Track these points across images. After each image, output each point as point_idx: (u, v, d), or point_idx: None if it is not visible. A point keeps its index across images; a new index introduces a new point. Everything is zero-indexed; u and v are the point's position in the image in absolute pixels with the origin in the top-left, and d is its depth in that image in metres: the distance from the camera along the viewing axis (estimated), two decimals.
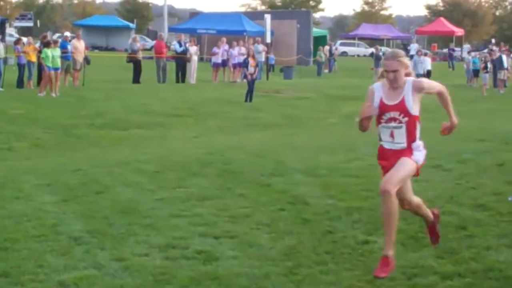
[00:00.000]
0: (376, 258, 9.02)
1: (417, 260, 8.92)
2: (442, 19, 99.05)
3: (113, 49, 76.49)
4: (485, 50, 67.95)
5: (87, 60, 40.63)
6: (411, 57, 48.91)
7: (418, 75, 37.15)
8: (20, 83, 37.48)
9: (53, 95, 33.12)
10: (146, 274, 8.55)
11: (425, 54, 54.83)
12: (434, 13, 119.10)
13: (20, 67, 37.84)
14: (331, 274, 8.45)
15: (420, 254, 9.16)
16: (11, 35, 66.92)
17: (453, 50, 73.73)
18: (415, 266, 8.65)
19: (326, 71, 59.90)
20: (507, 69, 45.68)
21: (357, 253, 9.32)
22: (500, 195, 12.32)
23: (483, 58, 50.03)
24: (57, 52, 34.53)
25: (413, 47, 68.23)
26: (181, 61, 44.39)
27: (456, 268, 8.53)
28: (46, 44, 34.47)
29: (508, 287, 7.86)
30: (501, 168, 14.81)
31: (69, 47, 39.20)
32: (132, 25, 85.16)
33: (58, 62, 34.21)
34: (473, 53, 57.23)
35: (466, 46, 76.09)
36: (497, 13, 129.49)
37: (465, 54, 70.90)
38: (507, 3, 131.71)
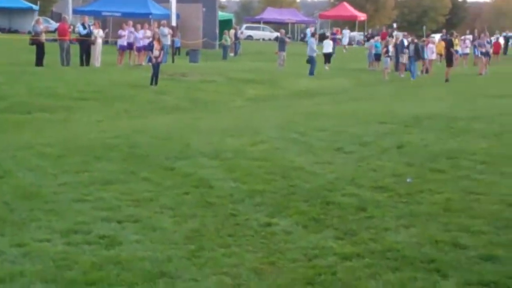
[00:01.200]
0: (279, 241, 9.06)
1: (318, 241, 8.96)
2: (345, 3, 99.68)
3: (16, 31, 75.15)
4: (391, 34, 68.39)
5: None
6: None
7: (311, 57, 37.51)
8: None
9: None
10: (47, 260, 8.42)
11: (327, 37, 55.45)
12: None
13: None
14: (233, 257, 8.44)
15: (321, 236, 9.21)
16: None
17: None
18: (316, 247, 8.70)
19: (232, 54, 59.81)
20: (424, 58, 46.46)
21: (259, 235, 9.32)
22: (399, 177, 12.49)
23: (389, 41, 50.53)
24: None
25: (308, 31, 69.27)
26: (85, 43, 43.72)
27: (355, 248, 8.61)
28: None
29: (405, 266, 7.94)
30: (401, 150, 14.98)
31: None
32: (35, 7, 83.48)
33: None
34: (376, 38, 57.68)
35: (346, 31, 76.18)
36: None
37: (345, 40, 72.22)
38: None
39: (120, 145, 16.36)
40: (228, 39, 59.96)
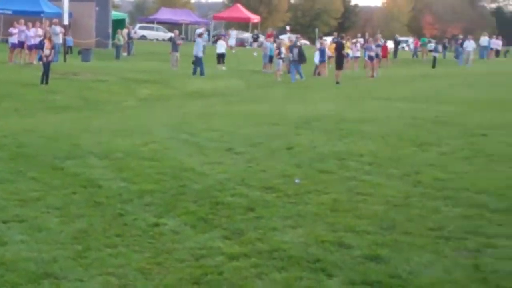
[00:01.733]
0: (167, 241, 9.03)
1: (205, 241, 8.96)
2: (238, 5, 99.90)
3: None
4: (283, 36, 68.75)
5: None
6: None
7: (197, 57, 37.57)
8: None
9: None
10: None
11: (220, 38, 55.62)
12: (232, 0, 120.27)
13: None
14: (120, 257, 8.38)
15: (209, 236, 9.21)
16: None
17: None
18: (203, 247, 8.69)
19: (125, 54, 59.36)
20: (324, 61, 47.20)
21: (147, 235, 9.27)
22: (288, 177, 12.59)
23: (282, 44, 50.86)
24: None
25: (197, 31, 69.74)
26: None
27: (243, 248, 8.63)
28: None
29: (291, 266, 7.99)
30: (290, 151, 15.11)
31: None
32: None
33: None
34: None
35: (233, 32, 76.24)
36: (292, 1, 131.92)
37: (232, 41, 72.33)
38: None
39: (8, 145, 16.13)
40: (121, 39, 59.59)
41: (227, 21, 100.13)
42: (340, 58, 44.05)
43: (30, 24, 45.67)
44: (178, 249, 8.67)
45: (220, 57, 49.20)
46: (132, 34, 66.39)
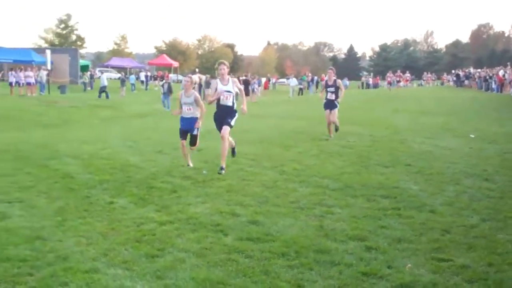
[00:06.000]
0: (118, 213, 8.94)
1: (143, 213, 8.88)
2: (164, 55, 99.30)
3: None
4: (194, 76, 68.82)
5: None
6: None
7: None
8: None
9: None
10: None
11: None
12: (159, 51, 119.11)
13: None
14: (87, 225, 8.26)
15: (146, 209, 9.13)
16: None
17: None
18: (142, 218, 8.61)
19: (89, 88, 58.55)
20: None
21: (105, 210, 9.15)
22: (198, 170, 12.57)
23: (196, 81, 50.91)
24: None
25: (142, 75, 69.09)
26: None
27: (169, 218, 8.58)
28: None
29: (201, 229, 7.99)
30: (200, 152, 15.06)
31: None
32: None
33: None
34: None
35: (142, 74, 75.51)
36: (199, 52, 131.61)
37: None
38: (205, 46, 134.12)
39: (11, 150, 15.74)
40: (87, 78, 58.87)
41: (157, 66, 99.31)
42: (246, 89, 44.72)
43: (22, 68, 45.30)
44: (125, 219, 8.58)
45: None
46: (93, 74, 65.56)
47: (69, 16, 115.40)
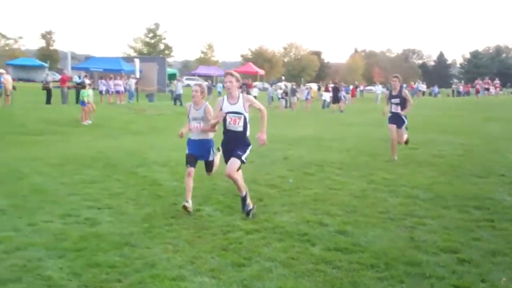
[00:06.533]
0: (204, 221, 9.02)
1: (230, 221, 8.94)
2: (250, 63, 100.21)
3: (33, 81, 73.59)
4: (280, 84, 69.04)
5: (14, 88, 39.10)
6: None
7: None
8: None
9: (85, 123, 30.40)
10: (50, 235, 8.27)
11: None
12: (245, 59, 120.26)
13: None
14: (174, 232, 8.38)
15: (232, 218, 9.18)
16: None
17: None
18: (228, 225, 8.67)
19: None
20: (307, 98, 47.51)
21: (192, 217, 9.26)
22: (284, 178, 12.55)
23: (282, 88, 51.39)
24: (91, 92, 32.12)
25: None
26: (79, 89, 43.47)
27: (255, 226, 8.60)
28: (84, 87, 32.15)
29: (287, 238, 7.95)
30: (286, 160, 15.07)
31: (1, 79, 37.65)
32: (46, 64, 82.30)
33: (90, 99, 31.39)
34: (273, 86, 58.63)
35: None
36: (285, 60, 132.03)
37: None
38: (291, 54, 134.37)
39: (101, 157, 16.17)
40: (174, 86, 60.05)
41: (243, 74, 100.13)
42: (336, 96, 44.36)
43: (112, 77, 46.74)
44: (212, 227, 8.66)
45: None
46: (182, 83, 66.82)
47: (157, 26, 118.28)
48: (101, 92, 45.62)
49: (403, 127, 15.48)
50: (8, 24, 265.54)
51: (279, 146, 18.01)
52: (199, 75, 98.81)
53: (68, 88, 43.91)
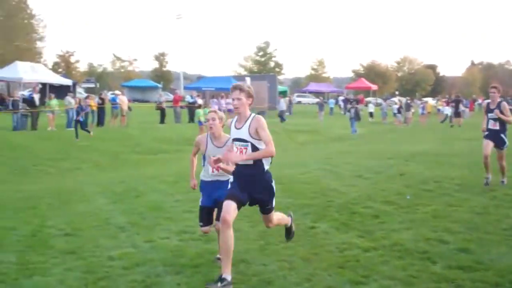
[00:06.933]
0: (320, 238, 8.97)
1: (346, 239, 8.83)
2: (362, 79, 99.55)
3: (147, 101, 76.12)
4: (394, 99, 68.18)
5: (129, 108, 40.62)
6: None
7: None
8: (84, 125, 37.33)
9: None
10: (167, 251, 8.47)
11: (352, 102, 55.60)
12: (357, 74, 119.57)
13: (86, 114, 37.78)
14: (289, 249, 8.36)
15: (348, 235, 9.07)
16: (80, 93, 66.55)
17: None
18: (345, 243, 8.57)
19: (288, 113, 60.05)
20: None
21: (307, 234, 9.23)
22: (401, 195, 12.29)
23: (397, 103, 50.88)
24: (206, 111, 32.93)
25: (340, 99, 69.32)
26: (192, 108, 44.65)
27: (372, 244, 8.46)
28: (199, 106, 33.27)
29: (407, 256, 7.76)
30: (402, 176, 14.78)
31: (117, 100, 39.23)
32: (159, 85, 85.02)
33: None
34: (387, 101, 58.11)
35: (340, 98, 75.34)
36: (399, 74, 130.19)
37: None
38: (405, 68, 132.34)
39: None
40: (283, 104, 60.62)
41: (355, 90, 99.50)
42: (457, 110, 43.49)
43: (223, 95, 47.86)
44: (328, 244, 8.59)
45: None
46: (292, 100, 67.24)
47: (267, 44, 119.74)
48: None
49: (505, 148, 13.11)
50: (123, 47, 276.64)
51: (394, 162, 17.71)
52: (310, 92, 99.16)
53: (181, 107, 45.20)
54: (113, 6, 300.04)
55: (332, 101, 68.51)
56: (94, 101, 38.44)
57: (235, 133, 7.08)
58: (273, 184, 7.18)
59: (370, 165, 17.00)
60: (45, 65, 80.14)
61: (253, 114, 7.15)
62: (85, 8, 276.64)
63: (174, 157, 25.69)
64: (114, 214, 11.56)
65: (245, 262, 7.74)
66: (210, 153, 7.77)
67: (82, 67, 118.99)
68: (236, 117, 7.22)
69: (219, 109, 45.69)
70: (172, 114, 43.50)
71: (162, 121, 41.61)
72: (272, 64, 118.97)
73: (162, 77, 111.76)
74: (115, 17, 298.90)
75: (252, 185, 6.98)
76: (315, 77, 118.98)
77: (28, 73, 44.84)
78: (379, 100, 74.68)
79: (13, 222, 11.06)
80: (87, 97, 39.73)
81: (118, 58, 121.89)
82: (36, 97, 36.28)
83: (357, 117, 39.12)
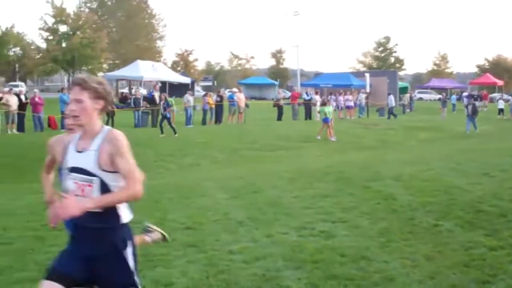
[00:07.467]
0: (444, 236, 8.82)
1: (471, 237, 8.63)
2: (488, 74, 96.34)
3: (264, 98, 76.94)
4: None
5: (247, 106, 41.25)
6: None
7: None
8: (204, 122, 38.25)
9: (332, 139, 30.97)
10: (286, 246, 8.59)
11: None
12: (482, 69, 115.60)
13: (205, 111, 38.70)
14: (412, 247, 8.29)
15: (474, 234, 8.86)
16: (198, 91, 68.28)
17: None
18: (470, 242, 8.38)
19: (408, 110, 59.13)
20: None
21: (430, 232, 9.10)
22: None
23: None
24: (330, 108, 32.94)
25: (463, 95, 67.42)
26: (308, 105, 44.81)
27: (499, 243, 8.22)
28: (325, 103, 33.65)
29: None
30: None
31: (235, 97, 39.94)
32: (276, 82, 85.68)
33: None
34: None
35: (464, 94, 72.22)
36: None
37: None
38: None
39: (332, 172, 16.40)
40: (406, 100, 59.66)
41: (479, 85, 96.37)
42: None
43: (342, 92, 47.62)
44: (452, 242, 8.43)
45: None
46: (413, 97, 66.12)
47: (387, 39, 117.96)
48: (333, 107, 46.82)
49: None
50: (240, 45, 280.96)
51: None
52: (432, 88, 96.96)
53: (299, 104, 45.41)
54: (230, 4, 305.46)
55: (454, 97, 66.69)
56: (212, 99, 39.37)
57: (73, 160, 4.36)
58: (130, 250, 4.43)
59: (495, 162, 16.44)
60: (165, 63, 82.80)
61: (106, 129, 4.41)
62: (203, 7, 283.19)
63: (291, 154, 25.91)
64: (233, 209, 11.81)
65: (366, 259, 7.73)
66: None
67: (200, 65, 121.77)
68: (77, 132, 4.50)
69: (337, 106, 45.59)
70: (289, 111, 43.80)
71: (279, 118, 42.00)
72: (392, 59, 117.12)
73: (279, 74, 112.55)
74: (233, 15, 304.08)
75: (95, 249, 4.30)
76: (437, 73, 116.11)
77: (148, 72, 46.51)
78: (505, 96, 71.97)
79: (138, 216, 11.53)
80: (205, 95, 40.74)
81: (236, 56, 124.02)
82: (156, 95, 37.60)
83: (474, 114, 37.88)
